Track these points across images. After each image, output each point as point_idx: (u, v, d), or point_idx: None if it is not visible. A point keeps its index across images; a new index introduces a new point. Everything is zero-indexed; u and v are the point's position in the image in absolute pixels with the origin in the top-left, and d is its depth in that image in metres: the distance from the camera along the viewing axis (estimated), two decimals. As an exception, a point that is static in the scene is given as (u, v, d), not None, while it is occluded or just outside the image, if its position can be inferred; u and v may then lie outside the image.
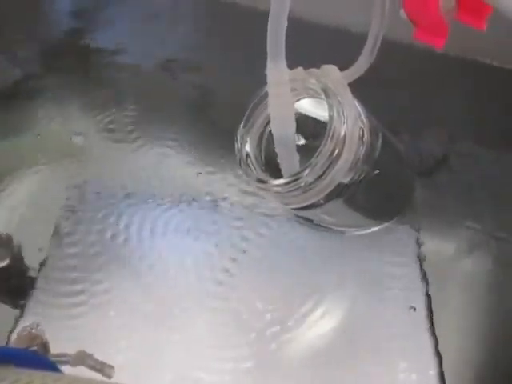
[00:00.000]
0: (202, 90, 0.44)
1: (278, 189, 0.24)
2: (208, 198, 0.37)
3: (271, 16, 0.20)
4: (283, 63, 0.21)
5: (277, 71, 0.22)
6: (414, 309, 0.32)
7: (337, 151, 0.22)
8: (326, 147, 0.22)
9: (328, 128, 0.22)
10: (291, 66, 0.24)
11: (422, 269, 0.33)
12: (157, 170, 0.39)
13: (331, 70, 0.24)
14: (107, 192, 0.37)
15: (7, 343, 0.31)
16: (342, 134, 0.22)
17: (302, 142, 0.26)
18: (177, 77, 0.45)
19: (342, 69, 0.24)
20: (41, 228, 0.36)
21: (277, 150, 0.24)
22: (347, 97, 0.23)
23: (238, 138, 0.26)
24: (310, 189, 0.23)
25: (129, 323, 0.32)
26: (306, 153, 0.25)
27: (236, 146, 0.26)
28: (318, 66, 0.25)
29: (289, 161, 0.24)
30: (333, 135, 0.22)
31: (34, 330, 0.31)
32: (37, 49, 0.47)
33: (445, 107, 0.40)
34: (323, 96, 0.23)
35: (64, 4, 0.52)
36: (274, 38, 0.20)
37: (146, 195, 0.37)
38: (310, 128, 0.27)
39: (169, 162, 0.39)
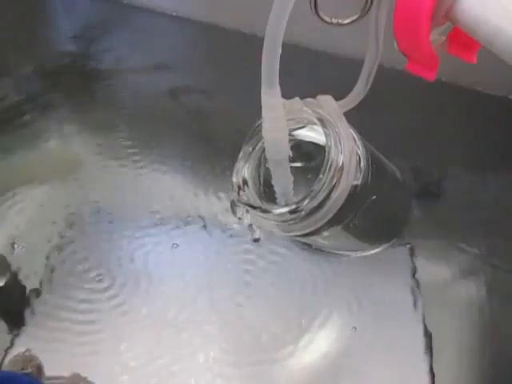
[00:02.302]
0: (202, 114, 0.44)
1: (278, 218, 0.24)
2: (206, 220, 0.37)
3: (266, 41, 0.20)
4: (277, 87, 0.22)
5: (271, 95, 0.22)
6: (409, 332, 0.32)
7: (335, 180, 0.23)
8: (325, 177, 0.23)
9: (326, 158, 0.23)
10: (291, 93, 0.24)
11: (416, 292, 0.33)
12: (157, 192, 0.39)
13: (327, 100, 0.25)
14: (106, 213, 0.38)
15: (1, 366, 0.30)
16: (340, 163, 0.23)
17: (298, 164, 0.27)
18: (177, 100, 0.45)
19: (338, 98, 0.25)
20: (38, 249, 0.36)
21: (271, 173, 0.25)
22: (343, 126, 0.24)
23: (237, 163, 0.26)
24: (310, 217, 0.23)
25: (125, 347, 0.32)
26: (302, 174, 0.25)
27: (234, 172, 0.26)
28: (318, 93, 0.25)
29: (283, 183, 0.25)
30: (331, 165, 0.23)
31: (27, 353, 0.31)
32: (38, 70, 0.48)
33: (438, 132, 0.41)
34: (320, 126, 0.24)
35: (65, 26, 0.53)
36: (268, 62, 0.21)
37: (145, 217, 0.38)
38: (306, 150, 0.27)
39: (168, 185, 0.39)
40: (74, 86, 0.47)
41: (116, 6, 0.53)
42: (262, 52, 0.21)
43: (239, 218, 0.37)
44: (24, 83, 0.47)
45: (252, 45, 0.22)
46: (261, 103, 0.23)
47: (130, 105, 0.45)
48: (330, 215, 0.24)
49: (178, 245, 0.36)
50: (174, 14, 0.51)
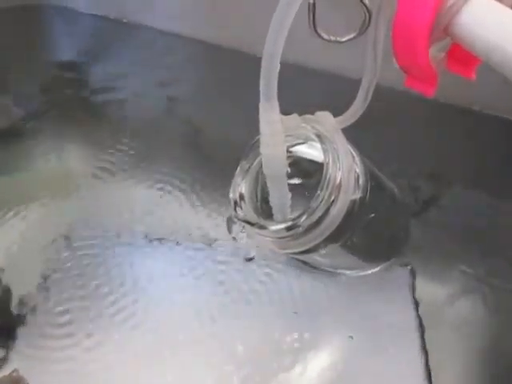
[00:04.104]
0: (202, 132, 0.44)
1: (275, 234, 0.24)
2: (204, 237, 0.37)
3: (264, 55, 0.20)
4: (275, 101, 0.22)
5: (269, 109, 0.22)
6: (409, 351, 0.31)
7: (333, 197, 0.22)
8: (323, 193, 0.22)
9: (324, 175, 0.22)
10: (289, 111, 0.24)
11: (416, 311, 0.33)
12: (154, 209, 0.39)
13: (325, 116, 0.24)
14: (102, 231, 0.37)
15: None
16: (338, 180, 0.22)
17: (296, 181, 0.26)
18: (177, 118, 0.45)
19: (336, 115, 0.25)
20: (31, 268, 0.35)
21: (269, 190, 0.24)
22: (342, 143, 0.23)
23: (234, 179, 0.26)
24: (308, 234, 0.23)
25: (117, 369, 0.31)
26: (300, 191, 0.25)
27: (231, 187, 0.26)
28: (316, 111, 0.25)
29: (280, 200, 0.25)
30: (329, 182, 0.22)
31: (15, 374, 0.30)
32: (37, 88, 0.48)
33: (437, 153, 0.41)
34: (318, 142, 0.23)
35: (65, 43, 0.53)
36: (266, 76, 0.21)
37: (141, 235, 0.37)
38: (304, 167, 0.27)
39: (166, 201, 0.39)
40: (74, 103, 0.47)
41: (117, 24, 0.53)
42: (259, 70, 0.21)
43: (234, 238, 0.36)
44: (23, 100, 0.47)
45: (252, 64, 0.22)
46: (259, 121, 0.23)
47: (129, 122, 0.45)
48: (328, 232, 0.23)
49: (173, 265, 0.36)
50: (174, 32, 0.52)
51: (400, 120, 0.42)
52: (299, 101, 0.25)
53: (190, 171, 0.41)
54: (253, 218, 0.25)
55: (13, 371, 0.31)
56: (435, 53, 0.20)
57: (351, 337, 0.32)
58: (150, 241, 0.37)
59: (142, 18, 0.53)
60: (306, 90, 0.43)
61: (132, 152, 0.43)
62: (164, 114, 0.46)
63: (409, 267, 0.35)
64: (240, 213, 0.25)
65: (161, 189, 0.40)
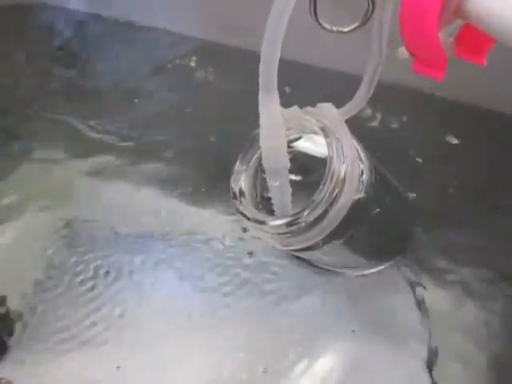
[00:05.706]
0: (201, 129, 0.44)
1: (276, 230, 0.23)
2: (201, 236, 0.36)
3: (264, 45, 0.20)
4: (275, 93, 0.21)
5: (268, 101, 0.21)
6: (411, 344, 0.31)
7: (336, 191, 0.22)
8: (326, 187, 0.21)
9: (327, 168, 0.22)
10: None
11: (420, 313, 0.32)
12: (154, 208, 0.38)
13: (327, 107, 0.24)
14: (96, 232, 0.37)
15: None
16: (342, 173, 0.22)
17: (296, 177, 0.26)
18: (174, 116, 0.45)
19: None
20: (26, 272, 0.35)
21: (269, 185, 0.24)
22: (345, 135, 0.23)
23: (234, 174, 0.25)
24: (310, 230, 0.22)
25: (111, 377, 0.30)
26: (301, 188, 0.24)
27: (231, 182, 0.25)
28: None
29: (281, 195, 0.24)
30: (332, 175, 0.21)
31: (4, 381, 0.30)
32: (35, 88, 0.48)
33: (442, 149, 0.40)
34: (321, 135, 0.23)
35: (62, 42, 0.53)
36: (266, 68, 0.20)
37: (136, 234, 0.37)
38: (305, 163, 0.26)
39: (165, 201, 0.39)
40: (73, 102, 0.47)
41: (116, 24, 0.53)
42: (259, 68, 0.20)
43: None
44: (21, 101, 0.47)
45: (250, 61, 0.22)
46: (259, 117, 0.22)
47: (129, 122, 0.45)
48: (331, 228, 0.23)
49: (170, 265, 0.35)
50: (174, 32, 0.52)
51: (406, 118, 0.42)
52: (300, 100, 0.25)
53: (190, 171, 0.41)
54: (253, 213, 0.24)
55: (1, 379, 0.30)
56: (444, 37, 0.19)
57: (353, 331, 0.32)
58: (151, 240, 0.36)
59: (141, 18, 0.53)
60: (305, 88, 0.43)
61: (132, 152, 0.42)
62: (159, 113, 0.45)
63: (412, 265, 0.34)
64: (240, 207, 0.24)
65: (161, 188, 0.40)
